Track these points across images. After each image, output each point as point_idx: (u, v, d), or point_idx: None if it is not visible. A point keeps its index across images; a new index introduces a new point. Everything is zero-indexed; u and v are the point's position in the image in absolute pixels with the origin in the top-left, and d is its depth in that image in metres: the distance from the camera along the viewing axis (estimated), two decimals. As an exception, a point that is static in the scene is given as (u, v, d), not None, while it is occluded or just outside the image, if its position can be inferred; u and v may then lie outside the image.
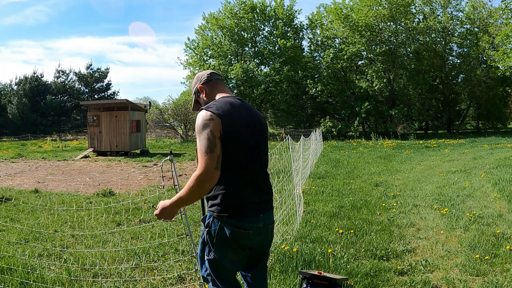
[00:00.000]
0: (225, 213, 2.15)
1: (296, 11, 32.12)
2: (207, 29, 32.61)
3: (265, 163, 2.34)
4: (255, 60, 31.31)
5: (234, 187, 2.17)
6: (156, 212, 2.21)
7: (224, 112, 2.13)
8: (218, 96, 2.33)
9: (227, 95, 2.33)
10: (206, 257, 2.29)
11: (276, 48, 31.16)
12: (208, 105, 2.19)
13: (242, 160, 2.19)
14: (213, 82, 2.40)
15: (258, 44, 32.49)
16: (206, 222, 2.23)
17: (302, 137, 9.10)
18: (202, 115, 2.13)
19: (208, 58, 32.52)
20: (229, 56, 32.17)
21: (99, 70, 45.69)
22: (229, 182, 2.17)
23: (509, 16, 22.26)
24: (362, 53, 29.76)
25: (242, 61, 30.93)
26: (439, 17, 28.18)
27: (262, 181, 2.30)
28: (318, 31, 32.26)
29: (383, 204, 6.55)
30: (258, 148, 2.27)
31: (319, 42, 32.08)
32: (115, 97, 44.95)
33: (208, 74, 2.42)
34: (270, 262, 3.89)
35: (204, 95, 2.40)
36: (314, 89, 28.94)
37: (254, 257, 2.37)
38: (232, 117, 2.15)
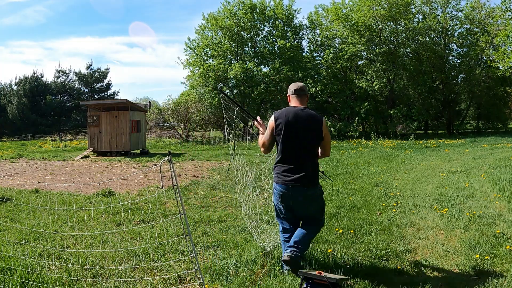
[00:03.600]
0: (274, 179, 3.64)
1: (295, 11, 32.09)
2: (207, 29, 32.59)
3: (306, 151, 3.57)
4: (254, 60, 31.29)
5: (280, 163, 3.62)
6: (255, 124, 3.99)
7: (279, 117, 3.59)
8: (291, 102, 3.74)
9: (294, 106, 3.68)
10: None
11: (275, 48, 31.14)
12: (277, 114, 3.64)
13: (287, 146, 3.56)
14: (294, 96, 3.72)
15: (257, 44, 32.48)
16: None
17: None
18: (273, 117, 3.65)
19: (208, 58, 32.50)
20: (229, 56, 32.16)
21: (99, 70, 45.70)
22: (278, 159, 3.63)
23: (509, 17, 22.24)
24: (362, 53, 29.74)
25: (241, 61, 30.90)
26: (439, 17, 28.17)
27: (301, 162, 3.54)
28: (318, 31, 32.25)
29: (383, 204, 6.55)
30: (300, 141, 3.54)
31: (319, 42, 32.07)
32: (115, 97, 44.93)
33: (293, 90, 3.73)
34: (271, 262, 3.89)
35: (289, 99, 3.80)
36: (314, 89, 28.93)
37: (296, 214, 3.73)
38: (282, 120, 3.55)
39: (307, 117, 3.55)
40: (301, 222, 3.77)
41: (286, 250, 3.51)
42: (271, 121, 3.61)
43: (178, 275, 3.77)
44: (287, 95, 3.78)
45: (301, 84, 3.77)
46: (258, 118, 4.02)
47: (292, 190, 3.52)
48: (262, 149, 3.72)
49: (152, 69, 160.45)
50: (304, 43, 33.86)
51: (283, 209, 3.67)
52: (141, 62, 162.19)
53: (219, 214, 6.09)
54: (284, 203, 3.61)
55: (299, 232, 3.61)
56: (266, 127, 3.74)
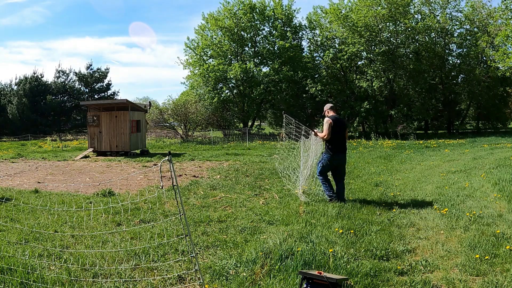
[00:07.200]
0: (332, 152, 6.79)
1: (294, 11, 32.10)
2: (207, 29, 32.58)
3: (345, 138, 6.98)
4: (254, 60, 31.26)
5: (335, 143, 6.80)
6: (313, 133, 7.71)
7: (332, 119, 6.71)
8: (330, 113, 6.86)
9: (333, 113, 6.90)
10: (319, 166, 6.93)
11: (275, 48, 31.13)
12: (329, 117, 6.77)
13: (336, 135, 6.73)
14: (331, 109, 6.94)
15: (257, 44, 32.46)
16: (324, 154, 6.90)
17: (302, 137, 9.09)
18: (327, 119, 6.73)
19: (208, 58, 32.49)
20: (229, 56, 32.15)
21: (99, 70, 45.63)
22: (334, 141, 6.80)
23: (509, 17, 22.23)
24: (362, 53, 29.73)
25: (241, 61, 30.88)
26: (438, 17, 28.17)
27: (344, 143, 6.91)
28: (318, 31, 32.24)
29: (383, 204, 6.54)
30: (343, 132, 6.88)
31: (319, 43, 32.05)
32: (115, 97, 44.87)
33: (330, 106, 7.00)
34: (271, 262, 3.90)
35: (327, 112, 6.90)
36: (314, 89, 28.93)
37: (337, 170, 6.96)
38: (334, 121, 6.70)
39: (342, 119, 7.09)
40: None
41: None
42: (330, 121, 6.70)
43: (178, 275, 3.77)
44: (327, 110, 6.93)
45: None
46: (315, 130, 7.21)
47: (343, 155, 7.05)
48: (325, 137, 6.73)
49: (151, 69, 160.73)
50: (304, 43, 33.92)
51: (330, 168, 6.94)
52: (140, 62, 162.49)
53: (219, 214, 6.10)
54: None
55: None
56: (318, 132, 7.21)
